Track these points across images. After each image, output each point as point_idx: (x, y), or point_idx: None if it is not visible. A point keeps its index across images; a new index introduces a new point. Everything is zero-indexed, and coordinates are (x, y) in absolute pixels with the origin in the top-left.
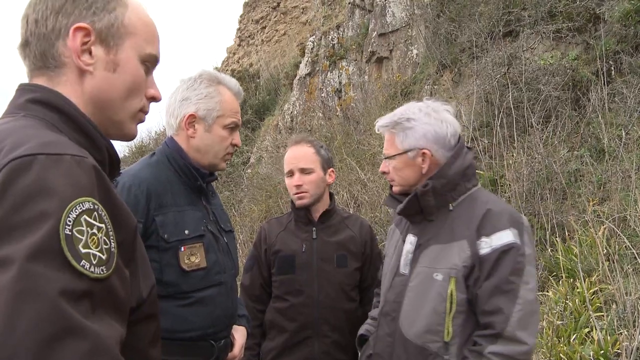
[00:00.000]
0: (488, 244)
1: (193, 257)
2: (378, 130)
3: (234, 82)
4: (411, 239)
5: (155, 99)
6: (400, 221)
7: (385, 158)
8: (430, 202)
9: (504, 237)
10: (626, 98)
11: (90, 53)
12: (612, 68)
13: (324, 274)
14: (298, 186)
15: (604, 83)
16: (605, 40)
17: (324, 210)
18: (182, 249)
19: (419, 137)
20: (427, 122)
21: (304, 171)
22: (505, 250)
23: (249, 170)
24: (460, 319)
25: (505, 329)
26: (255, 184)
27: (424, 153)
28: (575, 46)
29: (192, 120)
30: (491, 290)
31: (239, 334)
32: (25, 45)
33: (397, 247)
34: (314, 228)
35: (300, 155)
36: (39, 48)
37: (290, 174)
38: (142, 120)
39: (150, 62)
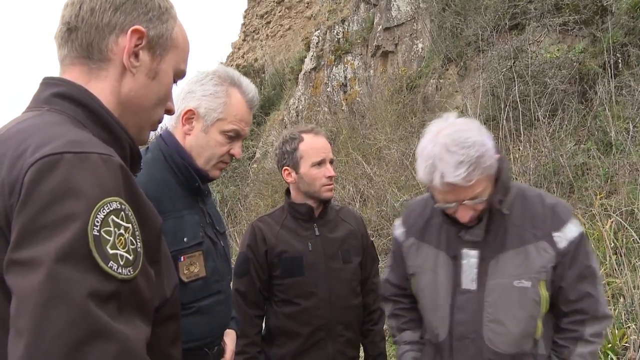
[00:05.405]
0: (563, 238)
1: (192, 267)
2: (462, 184)
3: (250, 88)
4: (470, 253)
5: (170, 111)
6: (422, 233)
7: (476, 201)
8: (497, 215)
9: (574, 228)
10: (634, 91)
11: (137, 56)
12: (620, 60)
13: (333, 273)
14: (331, 177)
15: (611, 76)
16: (613, 32)
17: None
18: (182, 259)
19: (495, 153)
20: (485, 132)
21: (332, 162)
22: (580, 240)
23: (254, 165)
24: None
25: (598, 309)
26: (261, 178)
27: (499, 159)
28: (582, 39)
29: (191, 116)
30: (575, 279)
31: (229, 338)
32: (72, 30)
33: (442, 263)
34: (315, 224)
35: (328, 146)
36: (88, 37)
37: (322, 163)
38: (155, 129)
39: (179, 77)
